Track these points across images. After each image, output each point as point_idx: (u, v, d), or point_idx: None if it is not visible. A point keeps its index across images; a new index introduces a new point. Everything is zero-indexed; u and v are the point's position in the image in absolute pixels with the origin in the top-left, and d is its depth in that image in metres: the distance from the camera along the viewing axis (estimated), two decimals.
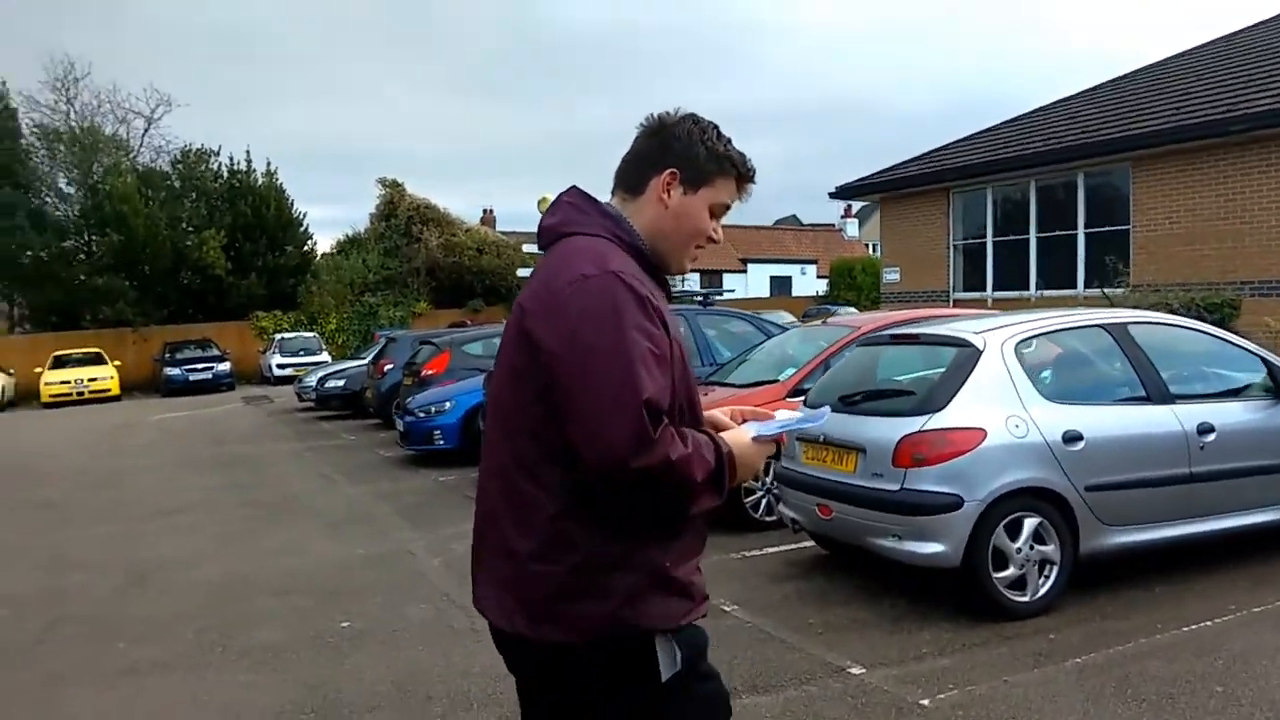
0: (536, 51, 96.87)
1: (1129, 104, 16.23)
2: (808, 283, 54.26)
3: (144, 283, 31.20)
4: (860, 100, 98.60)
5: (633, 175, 1.95)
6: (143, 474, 11.95)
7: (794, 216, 64.27)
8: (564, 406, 1.70)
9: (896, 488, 5.01)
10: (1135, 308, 8.84)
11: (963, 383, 5.14)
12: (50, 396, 25.79)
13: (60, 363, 27.25)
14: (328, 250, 37.58)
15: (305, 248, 35.18)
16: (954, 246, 18.39)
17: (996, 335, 5.34)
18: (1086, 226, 15.79)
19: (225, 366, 28.16)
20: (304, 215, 34.88)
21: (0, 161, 29.93)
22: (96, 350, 28.29)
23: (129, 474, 12.04)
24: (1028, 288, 16.81)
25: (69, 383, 26.08)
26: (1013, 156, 16.81)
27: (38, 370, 26.81)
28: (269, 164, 34.40)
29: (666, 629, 1.81)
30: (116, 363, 28.11)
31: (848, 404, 5.66)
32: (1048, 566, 5.07)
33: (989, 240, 17.64)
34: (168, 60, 61.10)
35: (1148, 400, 5.40)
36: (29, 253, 29.72)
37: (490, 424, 1.93)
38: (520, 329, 1.80)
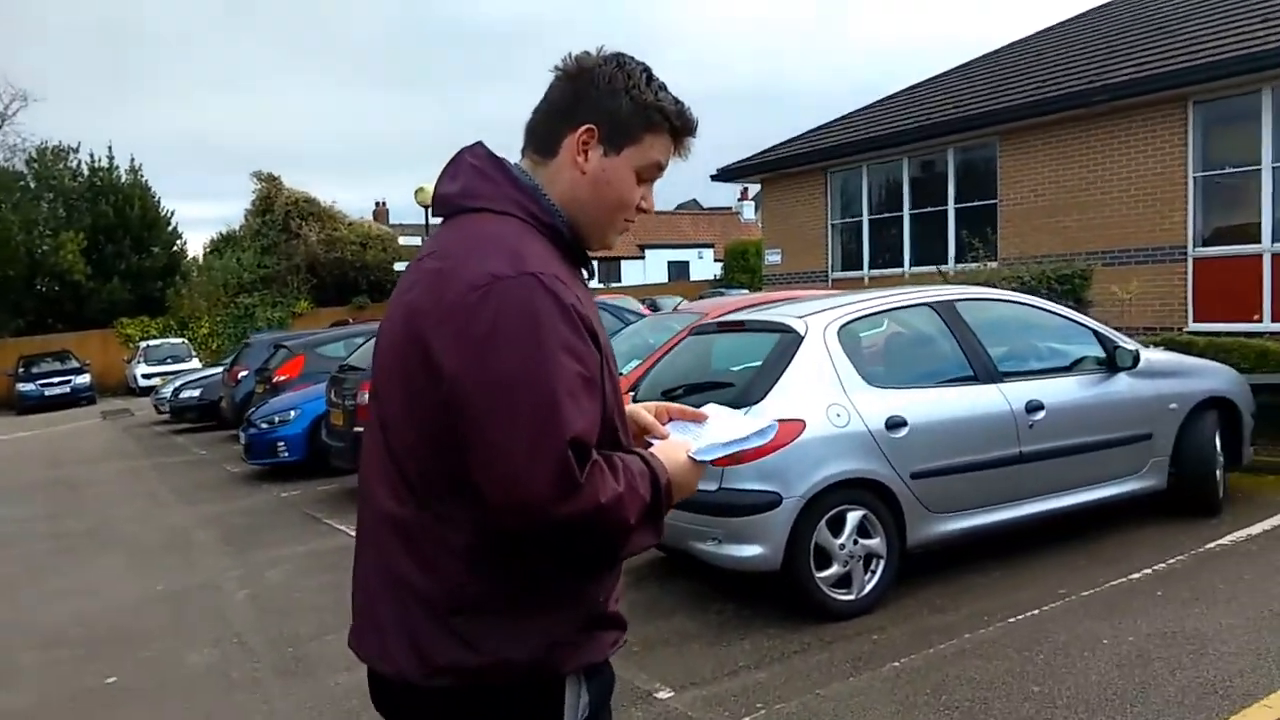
0: (435, 44, 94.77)
1: (999, 78, 16.34)
2: (705, 267, 54.36)
3: None
4: (778, 86, 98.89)
5: (544, 132, 1.59)
6: None
7: (694, 201, 64.20)
8: (470, 440, 1.39)
9: (714, 487, 4.63)
10: (987, 282, 8.71)
11: (782, 371, 4.80)
12: None
13: None
14: (201, 250, 35.91)
15: (174, 248, 33.43)
16: (832, 226, 18.34)
17: (819, 319, 5.01)
18: (957, 202, 15.85)
19: (84, 379, 26.48)
20: (171, 214, 33.21)
21: None
22: None
23: None
24: (902, 265, 16.85)
25: None
26: (886, 134, 16.79)
27: None
28: (133, 160, 32.62)
29: (586, 665, 1.55)
30: None
31: (669, 399, 5.26)
32: (874, 561, 4.77)
33: (864, 219, 17.63)
34: (27, 52, 57.42)
35: (975, 380, 5.14)
36: None
37: (371, 436, 1.58)
38: (412, 332, 1.46)
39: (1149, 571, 5.02)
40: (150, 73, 74.55)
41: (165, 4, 76.79)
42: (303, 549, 7.21)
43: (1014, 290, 8.66)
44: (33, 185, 31.23)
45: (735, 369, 5.43)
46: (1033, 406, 5.15)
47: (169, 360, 26.78)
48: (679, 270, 53.90)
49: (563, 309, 1.42)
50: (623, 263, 54.22)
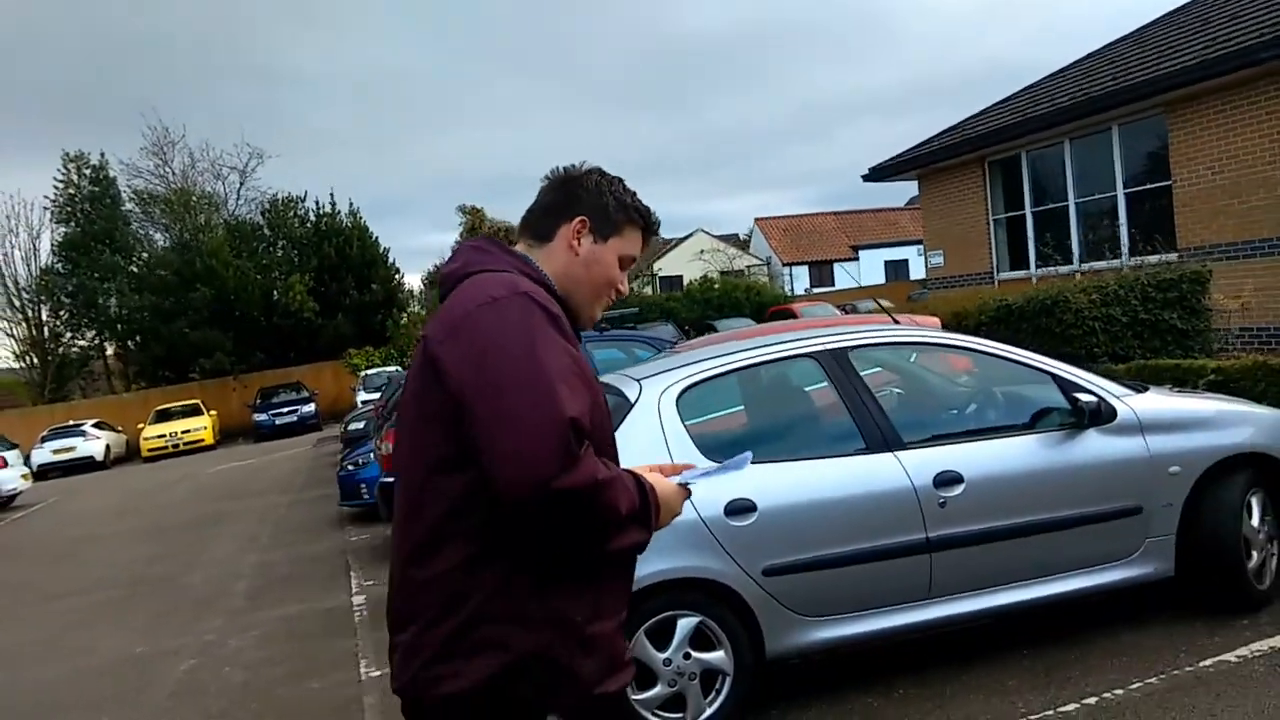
0: (664, 63, 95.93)
1: (1166, 42, 14.07)
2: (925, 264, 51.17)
3: (239, 331, 32.58)
4: (1009, 63, 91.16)
5: (540, 224, 1.90)
6: (104, 543, 12.06)
7: None
8: (478, 431, 1.57)
9: None
10: (1084, 290, 7.24)
11: None
12: (149, 451, 27.15)
13: (162, 416, 28.74)
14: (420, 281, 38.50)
15: (392, 282, 35.89)
16: (994, 222, 16.56)
17: (657, 381, 4.25)
18: (1126, 187, 13.79)
19: (310, 408, 28.87)
20: (388, 250, 35.64)
21: (101, 228, 31.98)
22: (195, 402, 29.67)
23: (94, 544, 12.19)
24: (1071, 261, 14.86)
25: (164, 436, 27.38)
26: (1043, 113, 14.91)
27: (140, 426, 28.35)
28: (351, 203, 35.46)
29: (571, 702, 1.70)
30: (213, 412, 29.41)
31: None
32: (718, 679, 3.96)
33: (1028, 212, 15.75)
34: (272, 107, 64.36)
35: (865, 449, 4.17)
36: (129, 313, 31.54)
37: (396, 466, 1.82)
38: (426, 357, 1.69)
39: (1119, 693, 3.86)
40: (393, 115, 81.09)
41: (413, 49, 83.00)
42: (297, 610, 7.23)
43: (1094, 304, 7.24)
44: (268, 233, 34.72)
45: None
46: (945, 479, 4.10)
47: (385, 388, 28.72)
48: (897, 270, 51.26)
49: (553, 318, 1.66)
50: (835, 266, 52.39)
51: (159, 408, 29.44)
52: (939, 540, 4.09)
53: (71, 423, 28.25)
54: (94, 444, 27.15)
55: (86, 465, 26.41)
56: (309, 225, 34.97)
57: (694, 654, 3.92)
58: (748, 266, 50.58)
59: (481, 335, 1.61)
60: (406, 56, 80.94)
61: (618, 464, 1.76)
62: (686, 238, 53.46)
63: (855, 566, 4.04)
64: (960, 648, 4.40)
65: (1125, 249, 13.79)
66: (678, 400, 4.16)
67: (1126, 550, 4.33)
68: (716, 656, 3.94)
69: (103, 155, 33.89)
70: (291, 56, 70.72)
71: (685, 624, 3.92)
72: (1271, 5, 12.34)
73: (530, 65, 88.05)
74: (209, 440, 28.07)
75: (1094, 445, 4.29)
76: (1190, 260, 12.57)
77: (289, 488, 15.81)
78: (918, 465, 4.11)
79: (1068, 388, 4.35)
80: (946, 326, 8.19)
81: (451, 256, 1.89)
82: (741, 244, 57.15)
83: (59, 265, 33.64)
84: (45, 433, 27.09)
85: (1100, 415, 4.24)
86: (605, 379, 4.62)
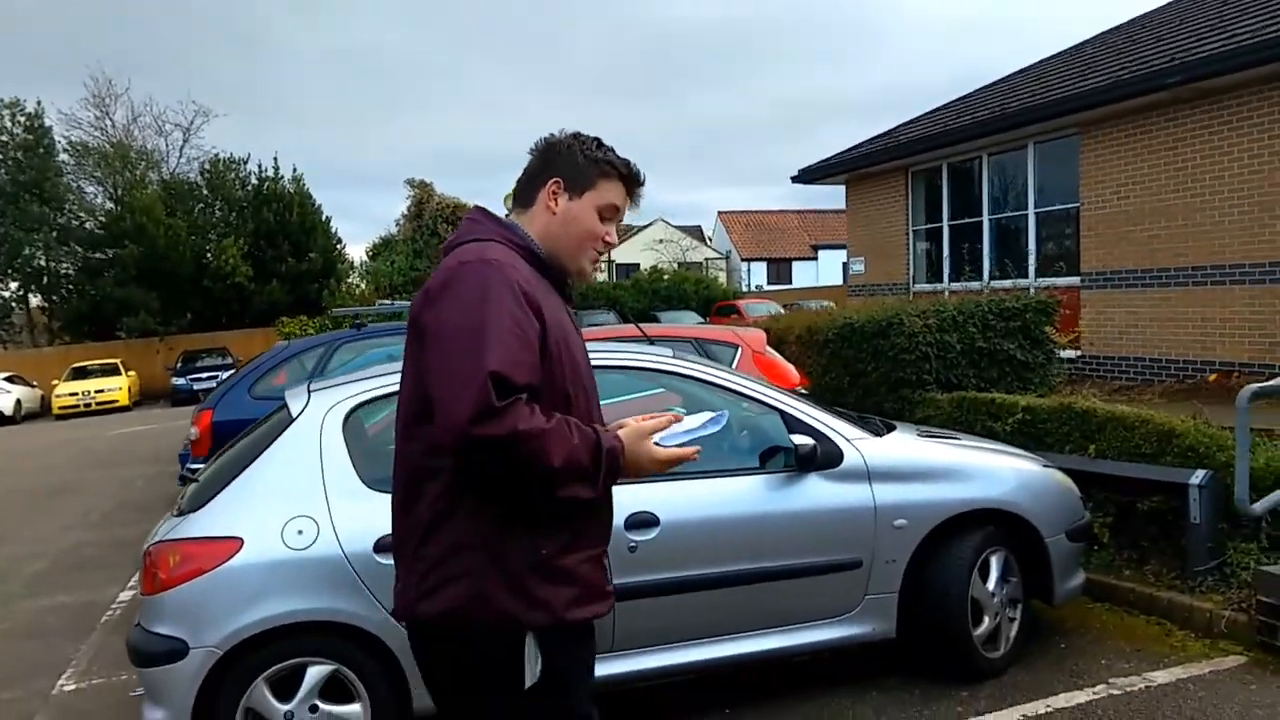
0: (645, 52, 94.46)
1: (1092, 62, 13.76)
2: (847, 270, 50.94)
3: (167, 292, 31.66)
4: (992, 71, 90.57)
5: (524, 190, 2.06)
6: None
7: None
8: (427, 380, 1.79)
9: (135, 623, 3.59)
10: (925, 313, 6.82)
11: (245, 467, 3.64)
12: (60, 409, 26.32)
13: (78, 374, 27.89)
14: (364, 253, 37.76)
15: (332, 252, 35.08)
16: (913, 233, 16.26)
17: (328, 395, 3.79)
18: (1037, 206, 13.51)
19: (230, 375, 28.15)
20: (329, 219, 34.82)
21: (31, 178, 30.91)
22: (114, 361, 28.81)
23: None
24: (980, 277, 14.56)
25: (76, 394, 26.54)
26: (964, 125, 14.60)
27: (54, 382, 27.51)
28: (295, 169, 34.58)
29: (543, 624, 1.82)
30: (132, 373, 28.59)
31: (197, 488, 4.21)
32: None
33: (944, 225, 15.44)
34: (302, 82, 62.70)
35: None
36: (54, 265, 30.57)
37: (398, 415, 1.97)
38: (413, 319, 1.89)
39: None
40: (361, 89, 79.53)
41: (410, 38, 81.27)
42: (63, 601, 6.73)
43: (930, 329, 6.86)
44: (206, 194, 33.77)
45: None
46: (637, 520, 3.68)
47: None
48: None
49: (507, 283, 1.83)
50: (794, 264, 52.17)
51: (75, 365, 28.56)
52: (625, 588, 3.65)
53: None
54: (3, 398, 26.28)
55: None
56: (249, 189, 34.05)
57: (324, 706, 3.48)
58: (706, 259, 50.16)
59: (444, 297, 1.81)
60: (385, 34, 79.69)
61: (596, 417, 1.96)
62: (646, 226, 52.92)
63: None
64: (652, 707, 3.99)
65: (1032, 269, 13.53)
66: (345, 418, 3.71)
67: (843, 607, 3.94)
68: (351, 710, 3.50)
69: (39, 103, 32.76)
70: (262, 20, 69.16)
71: (316, 672, 3.47)
72: (1191, 31, 12.05)
73: (507, 50, 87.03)
74: (124, 401, 27.24)
75: (813, 491, 3.89)
76: (1092, 285, 12.34)
77: (165, 458, 15.14)
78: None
79: (793, 426, 3.93)
80: (785, 342, 7.80)
81: (458, 227, 2.07)
82: (705, 237, 56.72)
83: None
84: None
85: (816, 459, 3.84)
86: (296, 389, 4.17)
